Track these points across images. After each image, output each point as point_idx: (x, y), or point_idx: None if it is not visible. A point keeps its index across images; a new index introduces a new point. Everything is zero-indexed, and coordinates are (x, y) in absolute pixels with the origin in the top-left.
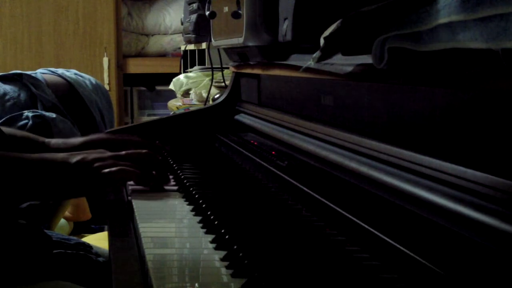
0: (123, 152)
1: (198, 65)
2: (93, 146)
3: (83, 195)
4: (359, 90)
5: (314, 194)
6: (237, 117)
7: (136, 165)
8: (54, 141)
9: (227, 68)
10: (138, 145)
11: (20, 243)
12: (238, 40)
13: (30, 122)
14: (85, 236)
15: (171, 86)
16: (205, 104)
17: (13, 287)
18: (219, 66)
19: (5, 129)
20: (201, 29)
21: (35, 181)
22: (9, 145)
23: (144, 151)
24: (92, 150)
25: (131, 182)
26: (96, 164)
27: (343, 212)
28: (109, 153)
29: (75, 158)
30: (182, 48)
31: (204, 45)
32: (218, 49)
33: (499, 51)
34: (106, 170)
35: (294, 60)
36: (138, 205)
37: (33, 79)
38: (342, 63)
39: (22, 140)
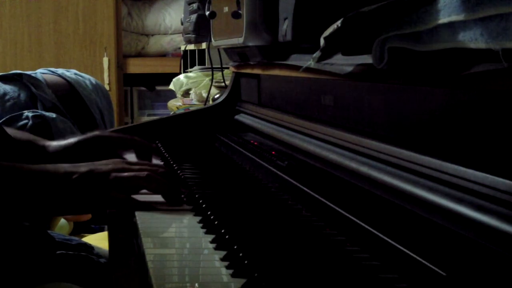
0: (135, 169)
1: (198, 65)
2: (88, 145)
3: (84, 212)
4: (359, 90)
5: (314, 194)
6: (237, 117)
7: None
8: (53, 144)
9: (227, 68)
10: (133, 143)
11: (25, 244)
12: (238, 40)
13: (30, 122)
14: (85, 236)
15: (171, 86)
16: (205, 104)
17: None
18: (219, 66)
19: (9, 131)
20: (201, 29)
21: (35, 194)
22: (12, 149)
23: (159, 170)
24: (101, 161)
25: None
26: (101, 182)
27: (343, 212)
28: (118, 164)
29: (79, 171)
30: (182, 48)
31: (204, 45)
32: (218, 49)
33: (499, 51)
34: (113, 194)
35: (294, 60)
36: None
37: (33, 79)
38: (342, 63)
39: (26, 143)
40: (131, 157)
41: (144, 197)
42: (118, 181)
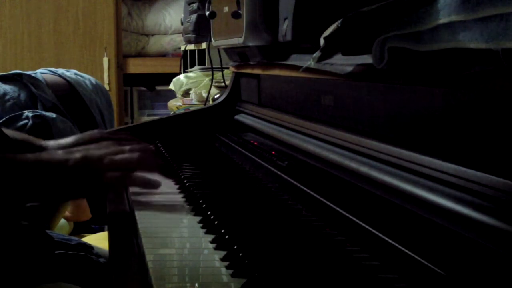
0: (126, 150)
1: (198, 65)
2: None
3: (82, 196)
4: (359, 90)
5: (314, 194)
6: (237, 117)
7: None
8: (51, 143)
9: (227, 68)
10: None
11: (23, 244)
12: (238, 40)
13: (30, 122)
14: (85, 236)
15: (171, 86)
16: (205, 104)
17: None
18: (219, 66)
19: (6, 131)
20: (201, 29)
21: (31, 182)
22: (10, 148)
23: (145, 147)
24: (93, 145)
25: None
26: (95, 167)
27: (343, 212)
28: (110, 147)
29: (73, 157)
30: (182, 48)
31: (204, 45)
32: (218, 49)
33: (499, 51)
34: (108, 175)
35: (294, 60)
36: (138, 206)
37: (33, 79)
38: (342, 63)
39: (22, 143)
40: None
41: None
42: (112, 165)
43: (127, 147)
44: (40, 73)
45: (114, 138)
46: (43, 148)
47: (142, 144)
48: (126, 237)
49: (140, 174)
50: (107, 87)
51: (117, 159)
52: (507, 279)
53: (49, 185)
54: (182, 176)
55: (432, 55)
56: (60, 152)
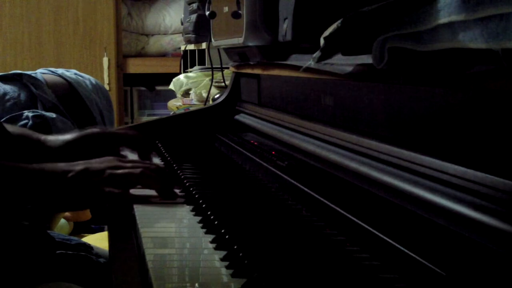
0: (128, 166)
1: (198, 65)
2: (87, 141)
3: (82, 208)
4: (359, 90)
5: (314, 194)
6: (237, 117)
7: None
8: (51, 138)
9: (227, 68)
10: (132, 141)
11: (24, 244)
12: (238, 40)
13: (30, 122)
14: (85, 236)
15: (171, 86)
16: (205, 104)
17: None
18: (219, 66)
19: (6, 126)
20: (201, 29)
21: (33, 192)
22: (9, 144)
23: (151, 166)
24: (96, 159)
25: None
26: (96, 179)
27: (343, 212)
28: (113, 162)
29: (74, 169)
30: (182, 48)
31: (204, 45)
32: (218, 49)
33: (499, 51)
34: (107, 189)
35: (294, 60)
36: (138, 205)
37: (33, 79)
38: (342, 63)
39: (19, 138)
40: (132, 155)
41: (139, 191)
42: (112, 178)
43: (129, 164)
44: (40, 73)
45: (113, 134)
46: (41, 143)
47: (150, 163)
48: (126, 237)
49: (140, 192)
50: (107, 87)
51: (118, 173)
52: (507, 279)
53: (49, 195)
54: (182, 176)
55: (432, 55)
56: (62, 163)
